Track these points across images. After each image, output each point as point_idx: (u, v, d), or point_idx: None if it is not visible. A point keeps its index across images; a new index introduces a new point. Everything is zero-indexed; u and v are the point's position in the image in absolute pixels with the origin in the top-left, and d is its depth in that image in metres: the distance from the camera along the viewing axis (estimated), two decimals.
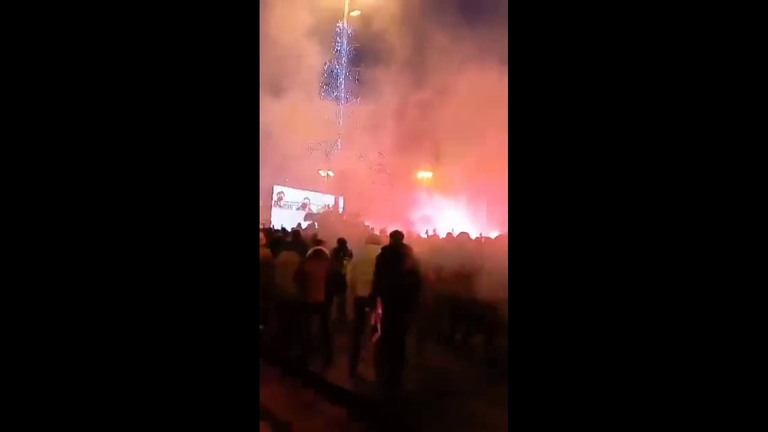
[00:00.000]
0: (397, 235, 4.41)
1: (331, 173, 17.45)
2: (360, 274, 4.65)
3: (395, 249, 4.23)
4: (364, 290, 4.51)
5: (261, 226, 8.87)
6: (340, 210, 15.25)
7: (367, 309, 4.40)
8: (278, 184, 16.92)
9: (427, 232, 9.98)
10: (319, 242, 5.08)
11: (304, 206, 16.78)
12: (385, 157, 14.36)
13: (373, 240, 5.08)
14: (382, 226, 9.34)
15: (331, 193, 17.06)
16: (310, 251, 4.91)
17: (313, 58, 16.80)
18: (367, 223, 10.02)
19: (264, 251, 5.12)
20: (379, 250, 4.39)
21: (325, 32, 17.94)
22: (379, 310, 4.18)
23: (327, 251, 5.03)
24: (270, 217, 15.90)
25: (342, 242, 6.14)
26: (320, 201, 16.88)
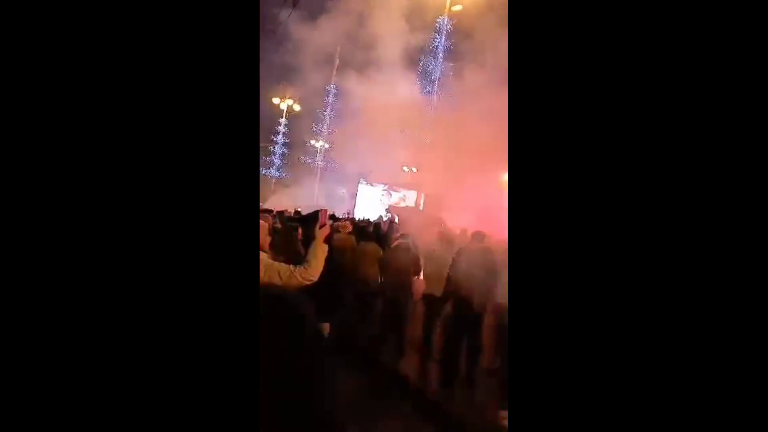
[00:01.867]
0: (477, 236, 4.41)
1: (414, 169, 17.59)
2: (429, 271, 4.74)
3: (474, 249, 4.23)
4: (431, 286, 4.63)
5: (346, 215, 9.22)
6: (421, 207, 15.38)
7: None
8: (363, 177, 17.43)
9: None
10: (404, 236, 5.21)
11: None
12: (470, 157, 14.20)
13: (444, 237, 5.11)
14: (461, 226, 9.30)
15: (413, 189, 17.24)
16: (394, 243, 5.06)
17: (410, 52, 16.92)
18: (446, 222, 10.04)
19: (350, 238, 5.37)
20: (443, 248, 4.45)
21: (425, 25, 17.98)
22: (449, 309, 4.24)
23: (411, 245, 5.10)
24: (354, 206, 16.46)
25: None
26: (402, 196, 17.12)
